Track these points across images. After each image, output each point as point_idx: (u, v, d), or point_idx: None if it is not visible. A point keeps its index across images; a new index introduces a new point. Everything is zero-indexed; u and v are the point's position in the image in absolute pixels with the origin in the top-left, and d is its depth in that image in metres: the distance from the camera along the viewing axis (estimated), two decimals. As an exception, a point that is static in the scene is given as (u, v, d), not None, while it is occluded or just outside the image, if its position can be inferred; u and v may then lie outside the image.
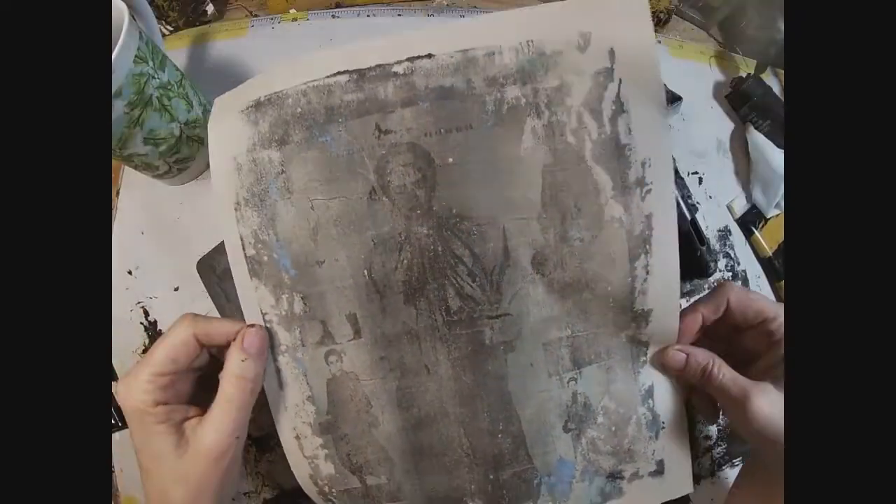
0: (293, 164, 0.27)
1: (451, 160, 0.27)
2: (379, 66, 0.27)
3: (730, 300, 0.30)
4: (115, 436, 0.37)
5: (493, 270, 0.28)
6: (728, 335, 0.31)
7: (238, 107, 0.28)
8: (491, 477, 0.30)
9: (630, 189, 0.28)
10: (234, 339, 0.27)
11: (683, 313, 0.30)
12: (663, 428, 0.32)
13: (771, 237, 0.40)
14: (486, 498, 0.31)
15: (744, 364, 0.30)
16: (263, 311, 0.29)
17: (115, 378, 0.37)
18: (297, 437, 0.31)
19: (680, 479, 0.32)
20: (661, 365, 0.30)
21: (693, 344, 0.30)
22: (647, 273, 0.29)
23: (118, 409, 0.37)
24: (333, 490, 0.31)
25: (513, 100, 0.27)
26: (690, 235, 0.37)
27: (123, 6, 0.30)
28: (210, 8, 0.45)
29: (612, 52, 0.27)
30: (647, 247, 0.28)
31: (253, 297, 0.29)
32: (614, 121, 0.27)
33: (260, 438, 0.37)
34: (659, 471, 0.32)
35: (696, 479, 0.38)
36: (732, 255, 0.40)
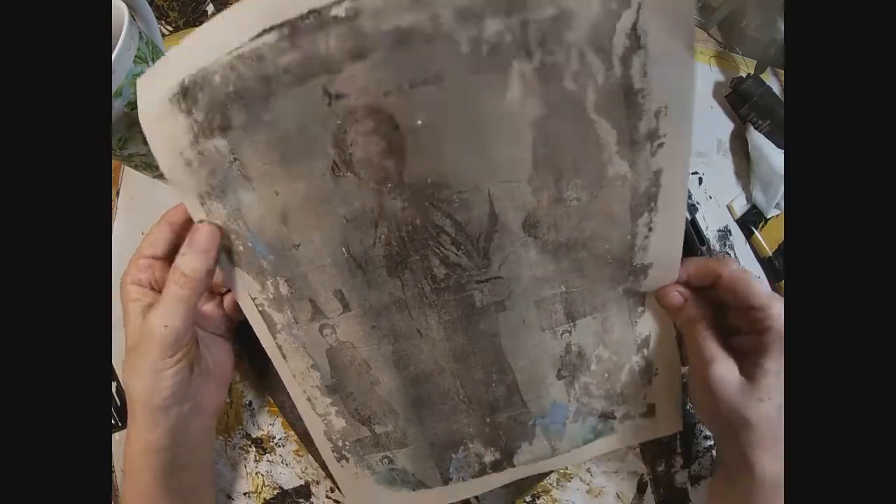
0: (243, 151, 0.24)
1: (419, 122, 0.22)
2: (313, 11, 0.20)
3: (722, 276, 0.28)
4: (115, 436, 0.37)
5: (480, 237, 0.26)
6: (717, 303, 0.31)
7: (164, 93, 0.23)
8: (487, 420, 0.31)
9: (639, 144, 0.23)
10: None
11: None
12: (656, 374, 0.31)
13: (771, 237, 0.40)
14: (485, 439, 0.32)
15: (722, 335, 0.29)
16: (253, 297, 0.29)
17: (116, 378, 0.37)
18: (309, 399, 0.31)
19: (671, 420, 0.33)
20: (657, 297, 0.29)
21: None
22: (650, 230, 0.26)
23: (118, 410, 0.37)
24: (346, 443, 0.32)
25: (494, 37, 0.21)
26: (690, 235, 0.37)
27: (123, 6, 0.30)
28: (210, 8, 0.45)
29: None
30: (653, 204, 0.25)
31: (240, 284, 0.28)
32: (627, 60, 0.21)
33: (260, 439, 0.37)
34: (650, 413, 0.32)
35: (696, 479, 0.38)
36: (732, 255, 0.40)
